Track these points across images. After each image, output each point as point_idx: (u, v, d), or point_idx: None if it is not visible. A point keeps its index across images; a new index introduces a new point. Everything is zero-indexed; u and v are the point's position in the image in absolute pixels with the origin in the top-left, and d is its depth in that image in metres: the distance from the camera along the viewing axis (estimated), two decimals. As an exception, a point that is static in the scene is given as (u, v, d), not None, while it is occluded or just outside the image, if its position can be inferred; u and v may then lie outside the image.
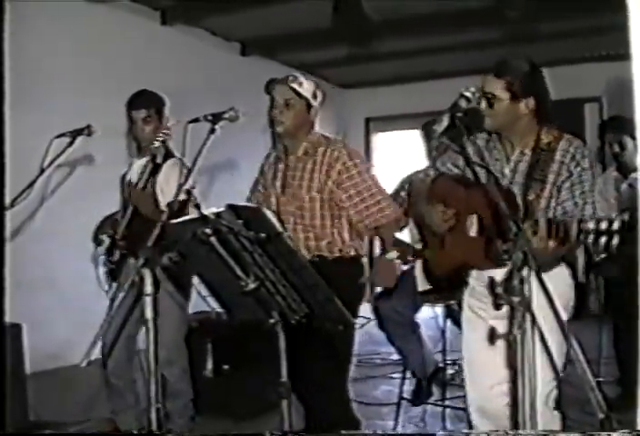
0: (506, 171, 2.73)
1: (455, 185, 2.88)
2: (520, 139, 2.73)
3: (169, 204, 3.56)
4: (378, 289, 4.73)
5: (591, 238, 2.08)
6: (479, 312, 2.79)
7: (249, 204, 3.09)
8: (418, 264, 3.14)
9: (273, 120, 3.26)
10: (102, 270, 3.73)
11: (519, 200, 2.64)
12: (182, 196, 2.73)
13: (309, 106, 3.25)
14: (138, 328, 3.68)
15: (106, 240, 3.69)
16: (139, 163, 3.79)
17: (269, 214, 2.08)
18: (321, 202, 3.22)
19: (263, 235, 2.03)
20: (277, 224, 2.08)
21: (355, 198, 3.20)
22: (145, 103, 3.71)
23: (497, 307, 1.97)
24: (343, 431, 2.64)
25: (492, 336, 1.95)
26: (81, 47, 5.87)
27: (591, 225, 2.09)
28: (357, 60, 8.24)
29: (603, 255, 3.26)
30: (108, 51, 6.08)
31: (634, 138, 4.22)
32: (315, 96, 3.26)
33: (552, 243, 2.31)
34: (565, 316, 2.56)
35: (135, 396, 3.79)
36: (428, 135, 4.48)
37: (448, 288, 3.05)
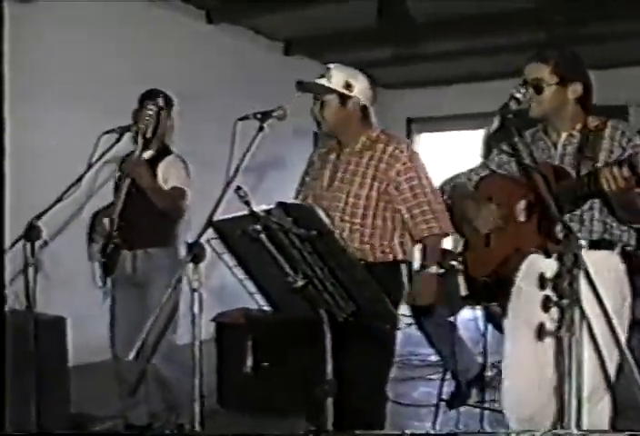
0: (556, 155, 2.69)
1: (501, 181, 2.87)
2: (568, 124, 2.69)
3: (174, 188, 3.68)
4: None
5: None
6: (527, 317, 2.57)
7: (300, 202, 3.06)
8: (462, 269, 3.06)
9: (316, 120, 3.21)
10: (96, 265, 3.75)
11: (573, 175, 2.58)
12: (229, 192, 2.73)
13: (344, 98, 3.12)
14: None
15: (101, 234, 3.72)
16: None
17: (320, 212, 2.07)
18: (376, 200, 3.10)
19: (313, 233, 2.03)
20: (328, 222, 2.07)
21: (407, 202, 3.10)
22: (158, 95, 3.76)
23: (546, 309, 1.92)
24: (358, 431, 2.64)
25: (540, 332, 1.90)
26: (127, 47, 5.93)
27: None
28: (401, 61, 8.24)
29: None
30: (154, 50, 6.14)
31: None
32: (348, 86, 3.12)
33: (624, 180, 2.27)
34: (621, 317, 2.50)
35: (147, 392, 3.84)
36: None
37: (488, 293, 2.96)
